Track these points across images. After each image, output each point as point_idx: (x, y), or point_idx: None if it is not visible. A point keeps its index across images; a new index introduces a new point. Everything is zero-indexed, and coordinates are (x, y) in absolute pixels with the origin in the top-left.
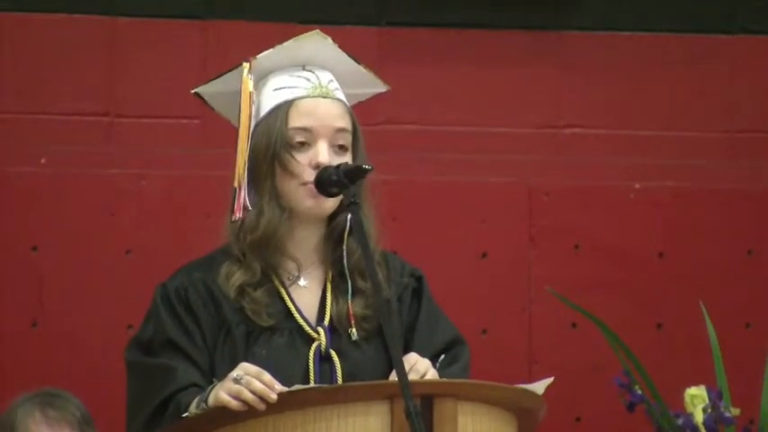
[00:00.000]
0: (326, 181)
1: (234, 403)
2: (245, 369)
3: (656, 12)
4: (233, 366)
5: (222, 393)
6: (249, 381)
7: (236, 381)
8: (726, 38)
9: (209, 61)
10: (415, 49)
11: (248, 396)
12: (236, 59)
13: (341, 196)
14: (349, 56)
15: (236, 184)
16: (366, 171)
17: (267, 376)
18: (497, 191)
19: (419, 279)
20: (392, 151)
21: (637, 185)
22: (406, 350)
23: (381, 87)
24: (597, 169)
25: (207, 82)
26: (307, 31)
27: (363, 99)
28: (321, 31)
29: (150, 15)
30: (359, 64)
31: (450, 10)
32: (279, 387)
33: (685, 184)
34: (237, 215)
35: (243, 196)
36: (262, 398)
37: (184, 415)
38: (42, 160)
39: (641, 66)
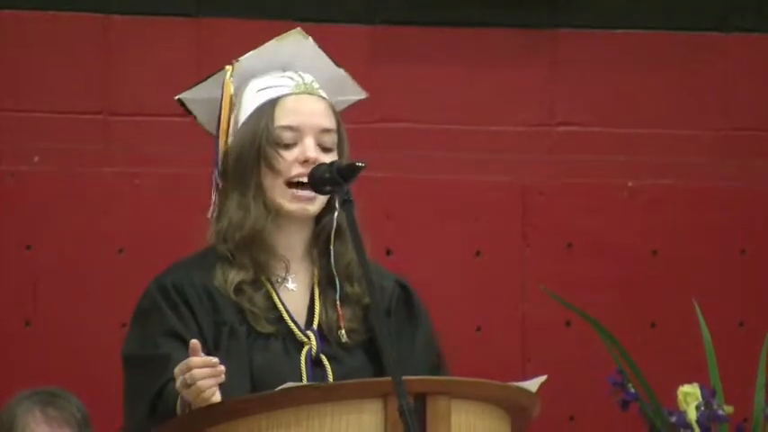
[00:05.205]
0: (320, 179)
1: (209, 396)
2: (179, 370)
3: (650, 10)
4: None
5: (194, 398)
6: (193, 375)
7: (188, 385)
8: (719, 36)
9: (203, 59)
10: (407, 47)
11: (207, 383)
12: (230, 57)
13: (325, 198)
14: (329, 58)
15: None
16: (360, 168)
17: (194, 360)
18: (491, 189)
19: (404, 287)
20: (385, 149)
21: (630, 184)
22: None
23: (361, 94)
24: (590, 167)
25: (190, 87)
26: (301, 29)
27: (343, 107)
28: (314, 28)
29: (143, 13)
30: (339, 67)
31: (442, 8)
32: (209, 358)
33: (679, 182)
34: (209, 212)
35: (214, 196)
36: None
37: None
38: (35, 158)
39: (635, 64)
